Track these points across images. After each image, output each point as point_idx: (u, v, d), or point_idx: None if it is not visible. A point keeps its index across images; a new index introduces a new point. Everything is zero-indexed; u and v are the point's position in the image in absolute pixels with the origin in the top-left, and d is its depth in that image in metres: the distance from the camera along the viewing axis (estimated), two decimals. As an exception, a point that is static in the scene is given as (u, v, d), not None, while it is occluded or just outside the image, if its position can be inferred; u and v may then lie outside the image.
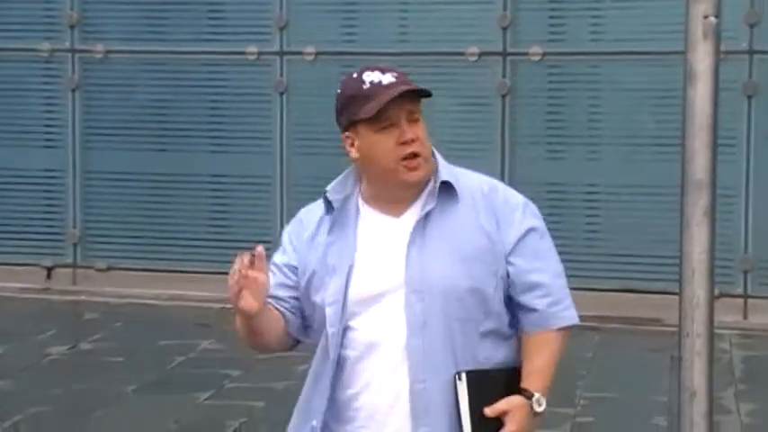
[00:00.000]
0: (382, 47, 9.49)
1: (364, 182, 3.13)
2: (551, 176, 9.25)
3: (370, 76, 3.04)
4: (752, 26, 8.66)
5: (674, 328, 7.92)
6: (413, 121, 3.03)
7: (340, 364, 3.05)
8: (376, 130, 3.03)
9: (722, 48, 8.84)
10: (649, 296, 8.63)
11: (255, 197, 9.80)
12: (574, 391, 7.13)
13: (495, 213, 3.08)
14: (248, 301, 3.01)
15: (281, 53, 9.67)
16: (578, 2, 9.14)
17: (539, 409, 3.03)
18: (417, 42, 9.47)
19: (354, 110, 3.03)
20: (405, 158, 3.02)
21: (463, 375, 2.99)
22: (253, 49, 9.69)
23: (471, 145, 9.39)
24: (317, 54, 9.60)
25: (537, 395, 3.04)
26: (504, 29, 9.19)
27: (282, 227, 9.90)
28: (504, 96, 9.23)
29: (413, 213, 3.08)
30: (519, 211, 3.11)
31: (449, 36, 9.32)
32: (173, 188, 9.97)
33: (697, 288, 5.03)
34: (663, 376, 7.31)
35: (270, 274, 3.08)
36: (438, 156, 3.11)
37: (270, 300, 3.11)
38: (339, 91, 3.10)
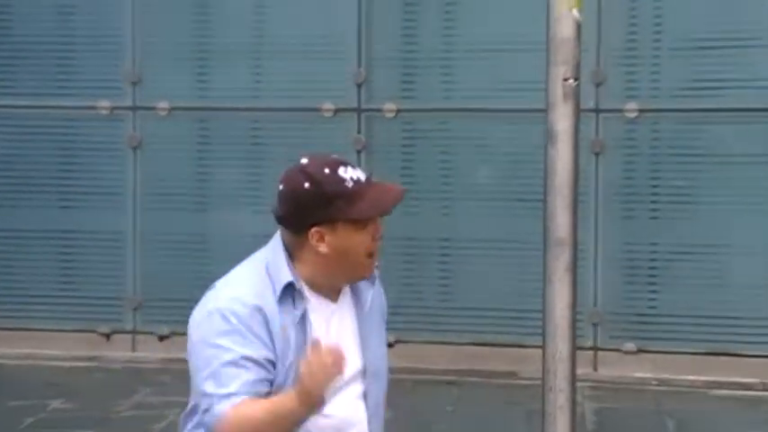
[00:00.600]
0: (237, 102, 9.49)
1: (305, 269, 3.11)
2: (406, 231, 9.33)
3: (348, 173, 3.09)
4: (597, 85, 8.91)
5: (529, 381, 8.09)
6: None
7: None
8: (357, 229, 3.07)
9: (572, 107, 9.07)
10: (505, 349, 8.75)
11: (107, 253, 9.65)
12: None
13: (382, 298, 3.36)
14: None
15: (134, 108, 9.59)
16: (432, 59, 9.27)
17: None
18: (272, 98, 9.48)
19: (342, 207, 3.04)
20: (371, 254, 3.11)
21: None
22: (105, 103, 9.58)
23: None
24: (171, 109, 9.54)
25: None
26: (359, 85, 9.28)
27: (135, 284, 9.80)
28: (359, 152, 9.30)
29: (345, 298, 3.17)
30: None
31: (303, 92, 9.36)
32: (21, 244, 9.75)
33: (560, 343, 5.15)
34: (519, 429, 7.41)
35: (243, 370, 3.01)
36: None
37: (244, 398, 3.04)
38: (308, 186, 3.07)
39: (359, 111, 9.32)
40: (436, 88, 9.37)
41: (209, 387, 3.00)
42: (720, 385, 8.60)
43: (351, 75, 9.27)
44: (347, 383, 3.08)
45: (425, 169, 9.36)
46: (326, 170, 3.09)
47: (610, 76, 8.93)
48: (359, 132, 9.33)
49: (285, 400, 2.93)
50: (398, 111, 9.25)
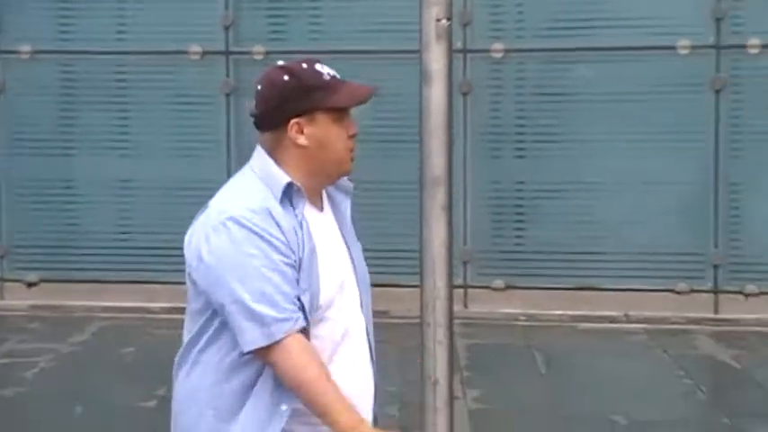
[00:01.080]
0: (102, 45, 9.34)
1: (290, 172, 3.11)
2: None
3: (325, 69, 3.15)
4: (465, 26, 8.99)
5: (401, 320, 8.18)
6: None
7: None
8: (334, 120, 3.11)
9: (442, 47, 9.05)
10: (377, 289, 8.81)
11: (-29, 200, 9.45)
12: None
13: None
14: None
15: (-4, 52, 9.38)
16: (300, 1, 9.24)
17: None
18: (138, 41, 9.34)
19: (321, 98, 3.09)
20: (350, 151, 3.15)
21: None
22: (-35, 47, 9.35)
23: (197, 144, 9.37)
24: (33, 53, 9.34)
25: None
26: (227, 28, 9.21)
27: (1, 231, 9.58)
28: (228, 95, 9.25)
29: (327, 208, 3.20)
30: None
31: (170, 35, 9.25)
32: None
33: (438, 279, 5.21)
34: (392, 367, 7.49)
35: (282, 277, 2.98)
36: None
37: (299, 330, 2.99)
38: (288, 78, 3.10)
39: (227, 53, 9.25)
40: (305, 30, 9.36)
41: (256, 303, 2.93)
42: (586, 319, 8.82)
43: (218, 17, 9.19)
44: (345, 291, 3.14)
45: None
46: (304, 65, 3.14)
47: (476, 17, 9.01)
48: (227, 75, 9.26)
49: (338, 410, 2.96)
50: (267, 53, 9.20)
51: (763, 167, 8.88)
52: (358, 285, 3.22)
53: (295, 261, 3.02)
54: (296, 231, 3.05)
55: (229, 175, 9.43)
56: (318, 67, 3.15)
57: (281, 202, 3.06)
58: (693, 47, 8.81)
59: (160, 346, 8.24)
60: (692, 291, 8.88)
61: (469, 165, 9.07)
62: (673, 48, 8.82)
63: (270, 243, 2.98)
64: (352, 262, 3.24)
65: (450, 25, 5.10)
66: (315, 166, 3.13)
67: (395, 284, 8.28)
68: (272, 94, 3.11)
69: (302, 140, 3.10)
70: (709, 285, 8.88)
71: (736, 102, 8.88)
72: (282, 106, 3.10)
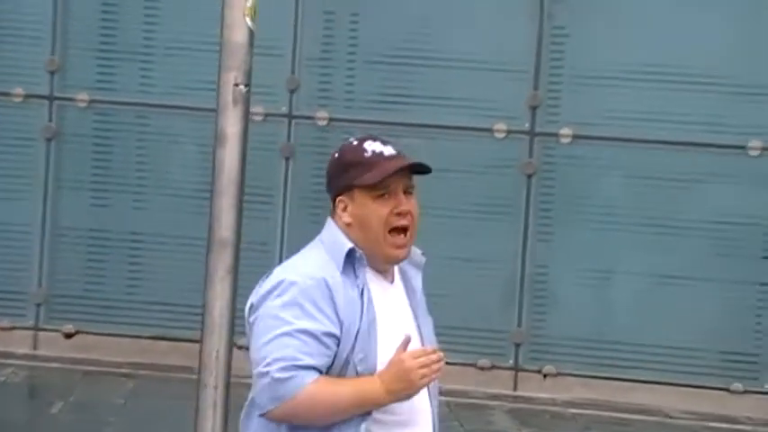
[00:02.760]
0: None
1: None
2: (96, 223, 9.28)
3: (372, 146, 3.13)
4: (291, 92, 9.12)
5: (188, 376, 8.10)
6: (408, 194, 3.15)
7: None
8: (373, 197, 3.11)
9: (262, 110, 9.36)
10: (182, 344, 8.81)
11: None
12: (101, 439, 7.19)
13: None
14: None
15: None
16: (128, 52, 9.25)
17: None
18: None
19: (355, 175, 3.11)
20: (393, 230, 3.10)
21: None
22: None
23: (14, 186, 9.26)
24: None
25: None
26: (52, 72, 9.16)
27: None
28: (49, 140, 9.18)
29: (398, 280, 3.20)
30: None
31: (-5, 75, 9.18)
32: None
33: (217, 342, 5.26)
34: (189, 425, 7.47)
35: (300, 342, 3.03)
36: None
37: (315, 374, 3.09)
38: (336, 156, 3.17)
39: (50, 98, 9.20)
40: (134, 80, 9.36)
41: (267, 368, 3.03)
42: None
43: (43, 61, 9.14)
44: None
45: (118, 162, 9.32)
46: (354, 143, 3.19)
47: (303, 84, 9.15)
48: (50, 120, 9.20)
49: (370, 385, 3.03)
50: (91, 101, 9.18)
51: (568, 252, 9.15)
52: None
53: (333, 334, 3.07)
54: (355, 301, 3.10)
55: (44, 219, 9.42)
56: (368, 144, 3.17)
57: (344, 270, 3.13)
58: (509, 131, 9.08)
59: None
60: (494, 367, 9.08)
61: (287, 226, 9.15)
62: (490, 130, 9.08)
63: (308, 313, 3.06)
64: (420, 336, 3.22)
65: (248, 91, 5.20)
66: (363, 244, 3.16)
67: (197, 340, 8.27)
68: (327, 170, 3.25)
69: (346, 218, 3.19)
70: (510, 363, 9.09)
71: (546, 187, 9.16)
72: (330, 183, 3.24)
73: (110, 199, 9.34)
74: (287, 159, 9.16)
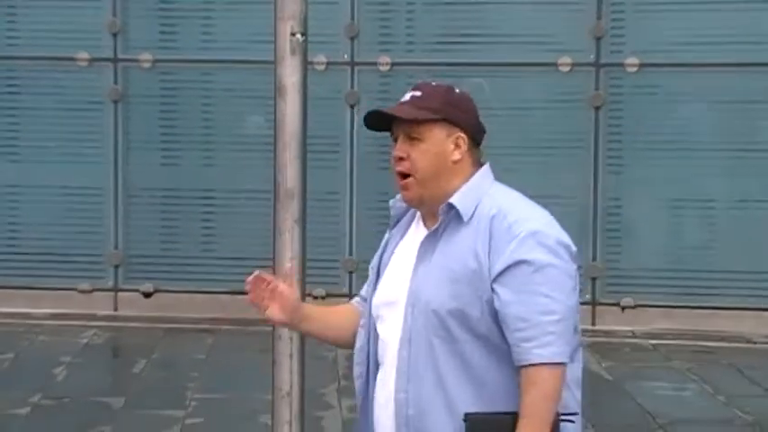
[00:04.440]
0: (-11, 52, 9.32)
1: None
2: (166, 182, 9.36)
3: (407, 93, 3.15)
4: (352, 39, 9.08)
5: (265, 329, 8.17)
6: (411, 139, 3.07)
7: (372, 361, 3.20)
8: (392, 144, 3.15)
9: (324, 59, 9.31)
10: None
11: None
12: (185, 393, 7.26)
13: (491, 238, 3.00)
14: (273, 313, 3.28)
15: None
16: (188, 9, 9.27)
17: None
18: (28, 47, 9.32)
19: None
20: (397, 175, 3.11)
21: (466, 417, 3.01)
22: None
23: (85, 150, 9.35)
24: None
25: None
26: (114, 35, 9.21)
27: None
28: (115, 102, 9.25)
29: (442, 228, 3.10)
30: (516, 241, 2.98)
31: (57, 41, 9.23)
32: None
33: (289, 292, 5.26)
34: (269, 377, 7.54)
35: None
36: (477, 176, 3.11)
37: (356, 299, 3.34)
38: None
39: (115, 60, 9.26)
40: (196, 38, 9.39)
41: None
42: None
43: (105, 24, 9.19)
44: (391, 306, 3.11)
45: (185, 119, 9.38)
46: None
47: (363, 30, 9.10)
48: (115, 82, 9.27)
49: None
50: (155, 61, 9.23)
51: (640, 183, 9.07)
52: (407, 308, 3.09)
53: (374, 269, 3.24)
54: (386, 244, 3.23)
55: (116, 181, 9.49)
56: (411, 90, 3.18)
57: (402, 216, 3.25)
58: (574, 64, 8.97)
59: (39, 353, 8.24)
60: (573, 303, 9.03)
61: (356, 176, 9.15)
62: (554, 65, 8.98)
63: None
64: (412, 284, 3.11)
65: (305, 40, 5.18)
66: None
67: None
68: None
69: None
70: (587, 297, 9.05)
71: (614, 119, 9.06)
72: None
73: (179, 157, 9.41)
74: (352, 107, 9.14)
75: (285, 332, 5.23)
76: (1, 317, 9.02)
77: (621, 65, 8.97)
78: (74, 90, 9.29)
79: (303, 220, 5.23)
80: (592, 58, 8.99)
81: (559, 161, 9.03)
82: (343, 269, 9.13)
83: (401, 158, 3.09)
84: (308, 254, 5.22)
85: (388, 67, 9.10)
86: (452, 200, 3.06)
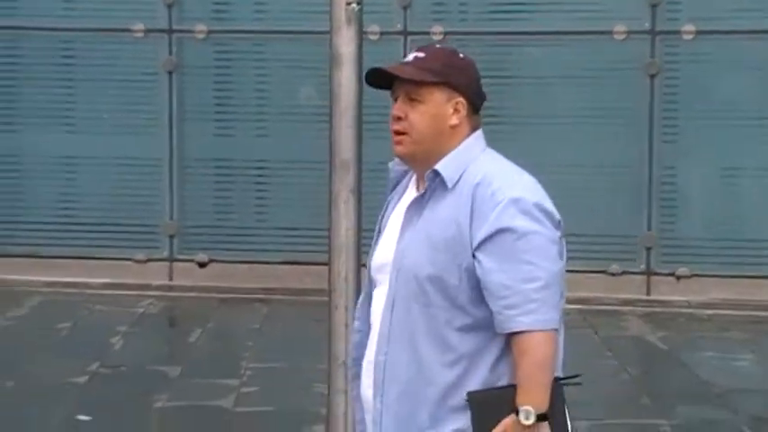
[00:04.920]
0: (46, 21, 9.37)
1: None
2: (220, 152, 9.41)
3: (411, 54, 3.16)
4: (405, 8, 9.06)
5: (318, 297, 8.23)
6: (411, 100, 3.07)
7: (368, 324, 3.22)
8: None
9: (377, 29, 9.29)
10: (314, 267, 8.90)
11: None
12: (239, 363, 7.32)
13: (473, 205, 2.99)
14: None
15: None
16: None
17: (527, 422, 2.91)
18: (82, 18, 9.38)
19: None
20: (393, 133, 3.10)
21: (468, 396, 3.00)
22: None
23: (140, 122, 9.41)
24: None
25: (523, 408, 2.91)
26: (169, 6, 9.25)
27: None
28: (170, 73, 9.29)
29: (430, 191, 3.10)
30: (499, 208, 2.96)
31: (113, 12, 9.29)
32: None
33: (345, 262, 5.29)
34: (325, 346, 7.57)
35: None
36: (466, 143, 3.10)
37: None
38: None
39: (169, 31, 9.30)
40: (249, 9, 9.40)
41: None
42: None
43: (160, -5, 9.27)
44: (384, 269, 3.12)
45: (239, 90, 9.41)
46: None
47: (416, 0, 9.09)
48: (170, 54, 9.31)
49: None
50: (209, 32, 9.26)
51: (695, 152, 9.00)
52: (392, 273, 3.10)
53: (376, 232, 3.25)
54: (387, 207, 3.24)
55: (171, 152, 9.56)
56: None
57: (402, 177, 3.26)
58: (629, 32, 8.90)
59: (96, 322, 8.33)
60: (625, 272, 9.00)
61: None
62: (609, 32, 8.91)
63: None
64: (398, 248, 3.11)
65: (360, 9, 5.17)
66: None
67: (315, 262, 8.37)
68: None
69: None
70: (642, 267, 9.00)
71: (670, 87, 8.98)
72: None
73: (233, 128, 9.44)
74: (403, 78, 9.11)
75: (341, 302, 5.25)
76: (59, 286, 9.13)
77: (677, 32, 8.89)
78: (129, 61, 9.34)
79: (359, 191, 5.24)
80: (647, 25, 8.91)
81: (614, 130, 8.97)
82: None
83: (399, 118, 3.09)
84: (362, 224, 5.22)
85: (440, 37, 9.07)
86: (437, 166, 3.06)
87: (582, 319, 8.28)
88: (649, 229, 9.02)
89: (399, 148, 3.11)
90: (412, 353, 3.04)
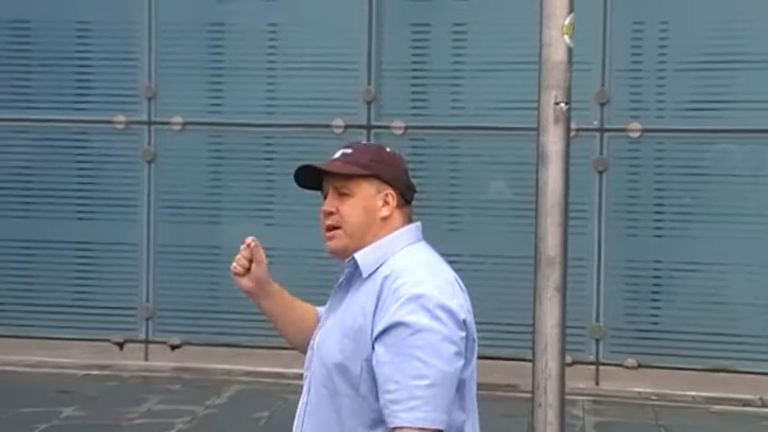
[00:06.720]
0: (250, 118, 9.69)
1: None
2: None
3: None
4: (602, 104, 9.08)
5: (529, 395, 8.20)
6: (341, 195, 3.14)
7: None
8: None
9: (575, 125, 9.34)
10: (504, 363, 8.91)
11: (121, 264, 9.86)
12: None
13: (379, 298, 3.03)
14: (242, 281, 3.35)
15: (149, 122, 9.81)
16: (439, 77, 9.46)
17: None
18: (284, 114, 9.68)
19: None
20: (324, 229, 3.18)
21: None
22: (121, 117, 9.81)
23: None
24: (185, 124, 9.76)
25: None
26: (368, 102, 9.48)
27: (148, 293, 9.95)
28: (368, 168, 9.47)
29: (363, 280, 3.16)
30: (399, 303, 2.98)
31: (315, 108, 9.56)
32: (37, 254, 9.98)
33: (549, 360, 5.31)
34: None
35: None
36: (391, 236, 3.12)
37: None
38: None
39: (368, 127, 9.52)
40: (445, 105, 9.56)
41: None
42: (719, 401, 8.73)
43: (360, 92, 9.47)
44: (312, 358, 3.19)
45: (433, 185, 9.54)
46: None
47: (614, 96, 9.09)
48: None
49: None
50: (407, 127, 9.44)
51: None
52: (315, 360, 3.18)
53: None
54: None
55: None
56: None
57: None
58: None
59: (293, 412, 8.43)
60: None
61: (604, 241, 9.11)
62: (808, 130, 8.78)
63: None
64: (320, 332, 3.22)
65: (568, 109, 5.24)
66: None
67: (520, 358, 8.34)
68: None
69: None
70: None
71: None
72: None
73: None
74: (600, 173, 9.12)
75: (543, 399, 5.26)
76: (256, 375, 9.32)
77: None
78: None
79: (564, 288, 5.28)
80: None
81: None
82: (589, 336, 9.07)
83: (330, 213, 3.14)
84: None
85: (638, 134, 9.06)
86: (356, 254, 3.11)
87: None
88: None
89: (331, 243, 3.16)
90: None
